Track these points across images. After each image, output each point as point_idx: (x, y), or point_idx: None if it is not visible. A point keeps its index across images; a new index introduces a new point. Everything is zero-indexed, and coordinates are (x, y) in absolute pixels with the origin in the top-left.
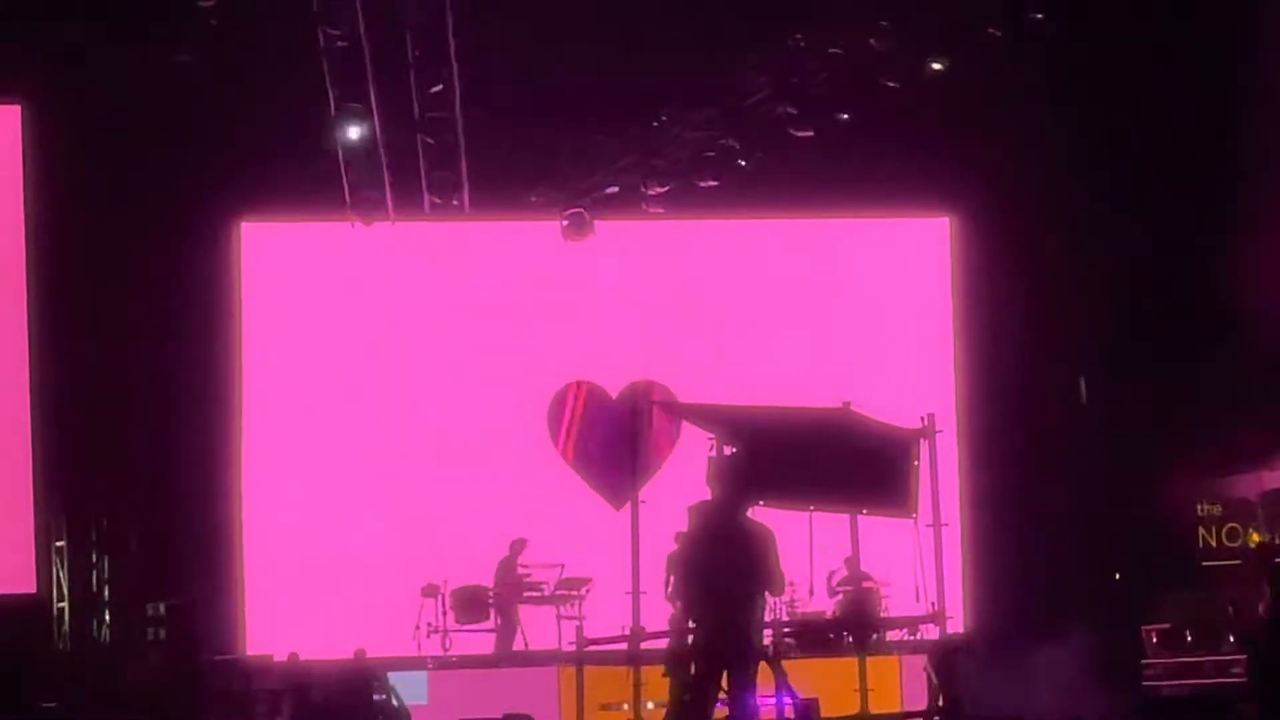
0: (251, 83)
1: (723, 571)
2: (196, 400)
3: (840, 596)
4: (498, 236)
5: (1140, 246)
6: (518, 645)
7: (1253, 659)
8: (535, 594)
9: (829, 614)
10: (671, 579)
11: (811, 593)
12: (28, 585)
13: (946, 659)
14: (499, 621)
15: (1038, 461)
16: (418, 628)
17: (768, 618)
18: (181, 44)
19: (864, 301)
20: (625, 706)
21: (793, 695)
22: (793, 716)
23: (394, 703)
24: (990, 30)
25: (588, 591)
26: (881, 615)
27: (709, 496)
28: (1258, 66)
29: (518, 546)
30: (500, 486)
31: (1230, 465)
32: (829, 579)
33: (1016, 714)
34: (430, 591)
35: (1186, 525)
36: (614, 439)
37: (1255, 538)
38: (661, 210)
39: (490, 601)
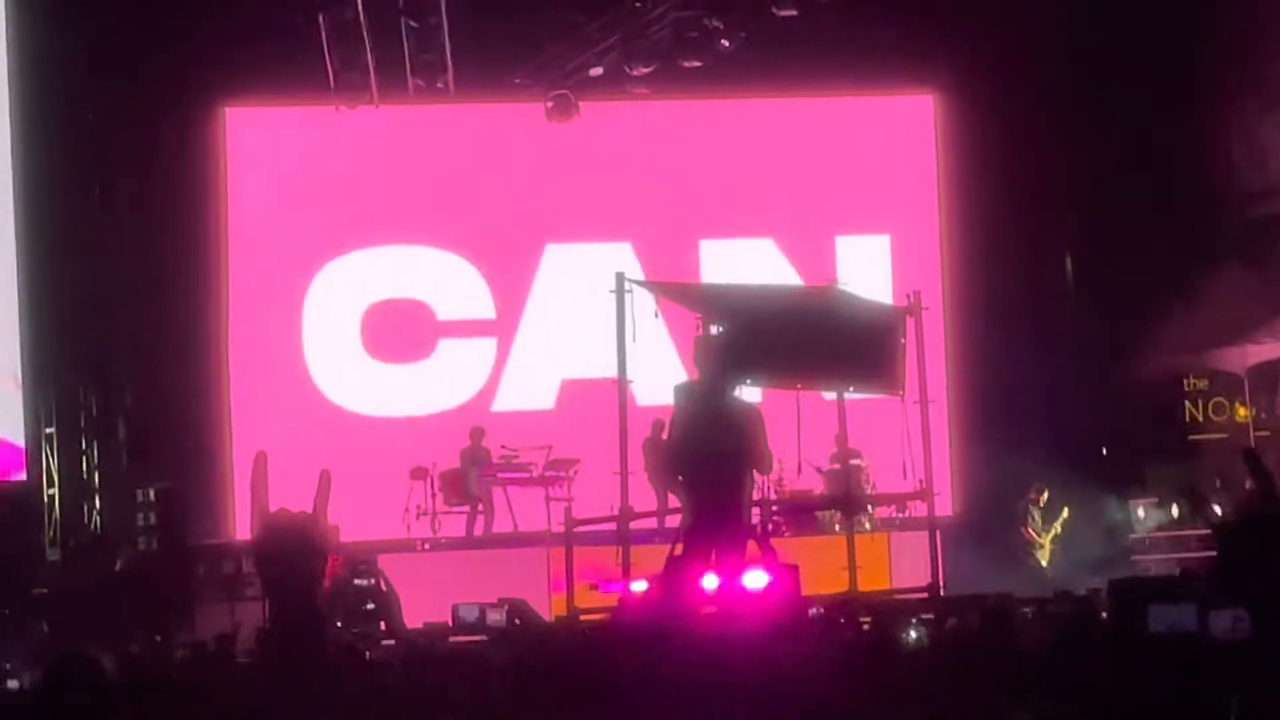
0: None
1: (711, 451)
2: (184, 285)
3: (826, 474)
4: (482, 119)
5: (1125, 120)
6: (506, 526)
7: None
8: (523, 475)
9: (816, 492)
10: (647, 463)
11: (799, 471)
12: (18, 472)
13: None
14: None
15: (1024, 338)
16: (406, 510)
17: (755, 496)
18: None
19: (849, 180)
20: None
21: (783, 567)
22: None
23: (383, 586)
24: None
25: (576, 472)
26: (869, 492)
27: (695, 376)
28: None
29: (478, 434)
30: (486, 366)
31: (1216, 339)
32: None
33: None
34: (418, 474)
35: (1173, 399)
36: None
37: (1242, 411)
38: (646, 92)
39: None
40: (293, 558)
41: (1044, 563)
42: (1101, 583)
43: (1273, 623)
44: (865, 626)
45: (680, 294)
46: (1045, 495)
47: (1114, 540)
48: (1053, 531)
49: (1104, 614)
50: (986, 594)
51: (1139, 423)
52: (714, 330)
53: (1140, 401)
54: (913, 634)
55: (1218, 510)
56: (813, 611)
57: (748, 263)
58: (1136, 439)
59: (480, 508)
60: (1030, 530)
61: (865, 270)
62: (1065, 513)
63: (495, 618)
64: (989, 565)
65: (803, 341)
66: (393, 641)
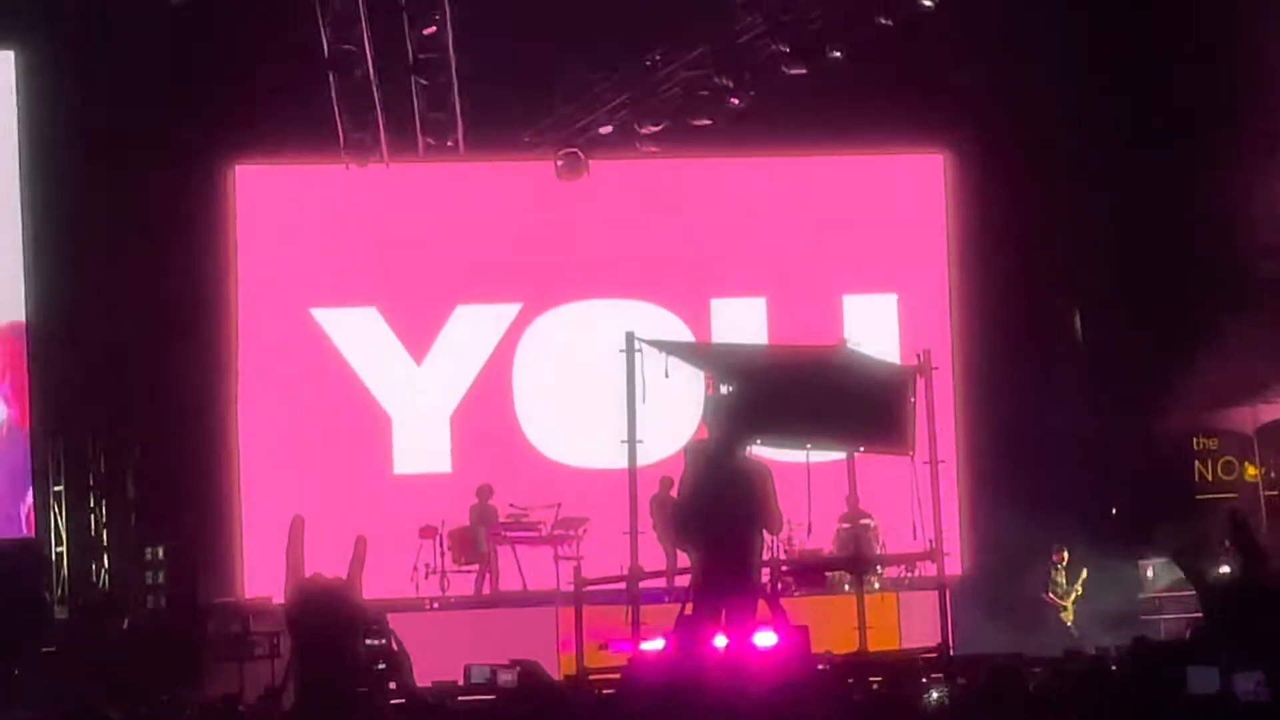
0: (246, 26)
1: (720, 511)
2: (193, 343)
3: (837, 533)
4: (492, 177)
5: (1135, 179)
6: (515, 584)
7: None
8: (532, 534)
9: (826, 552)
10: (655, 522)
11: (809, 531)
12: (25, 530)
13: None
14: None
15: (1034, 397)
16: (415, 569)
17: (765, 556)
18: None
19: (859, 239)
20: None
21: (792, 628)
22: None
23: (394, 645)
24: None
25: (585, 531)
26: (879, 552)
27: (705, 436)
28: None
29: (485, 492)
30: (496, 426)
31: (1226, 398)
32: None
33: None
34: (427, 532)
35: (1183, 458)
36: None
37: (1251, 471)
38: (655, 149)
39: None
40: (326, 622)
41: (1069, 623)
42: (1113, 642)
43: None
44: (875, 686)
45: (690, 353)
46: (1066, 555)
47: (1129, 599)
48: (1074, 593)
49: (1114, 669)
50: (996, 654)
51: (1148, 482)
52: (724, 389)
53: (1150, 461)
54: (934, 694)
55: (1224, 570)
56: (821, 666)
57: (756, 320)
58: (1146, 498)
59: (488, 565)
60: (1052, 595)
61: (873, 329)
62: (1085, 573)
63: (507, 678)
64: (999, 625)
65: (812, 401)
66: (403, 701)
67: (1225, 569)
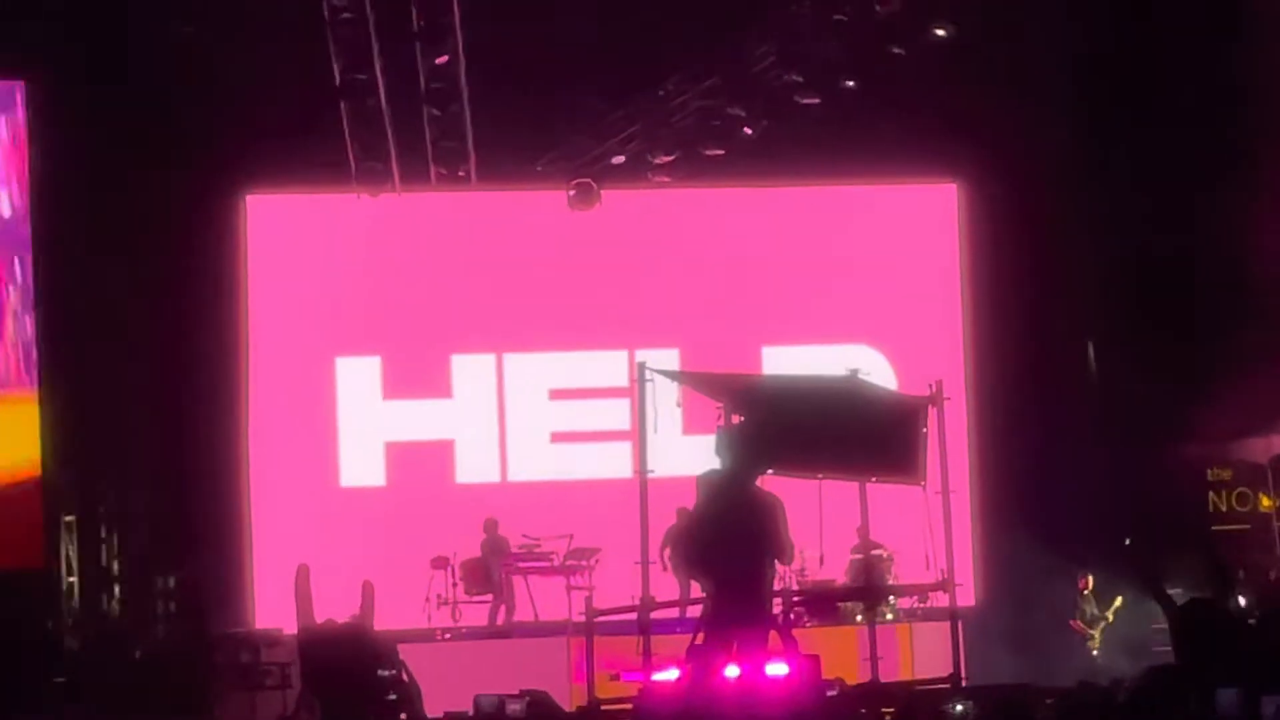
0: (256, 55)
1: (732, 541)
2: (203, 374)
3: (849, 563)
4: (504, 207)
5: (1148, 211)
6: (527, 615)
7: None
8: (544, 564)
9: (839, 582)
10: (667, 551)
11: (821, 561)
12: (35, 560)
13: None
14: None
15: (1047, 428)
16: (427, 599)
17: (778, 586)
18: (185, 16)
19: (871, 269)
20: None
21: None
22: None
23: (404, 677)
24: None
25: (597, 561)
26: (890, 583)
27: (717, 466)
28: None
29: (492, 525)
30: (508, 455)
31: (1240, 429)
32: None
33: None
34: (439, 563)
35: (1197, 489)
36: None
37: (1266, 502)
38: (668, 179)
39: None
40: (343, 667)
41: (1096, 651)
42: (1132, 671)
43: None
44: (887, 717)
45: (702, 383)
46: (1090, 582)
47: (1143, 629)
48: (1104, 621)
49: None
50: (1007, 684)
51: (1162, 513)
52: (735, 420)
53: (1164, 491)
54: (959, 707)
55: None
56: (831, 693)
57: (772, 350)
58: (1160, 529)
59: (502, 596)
60: (1080, 623)
61: (888, 358)
62: (1119, 601)
63: (515, 709)
64: (1013, 655)
65: (824, 431)
66: None
67: (1242, 600)
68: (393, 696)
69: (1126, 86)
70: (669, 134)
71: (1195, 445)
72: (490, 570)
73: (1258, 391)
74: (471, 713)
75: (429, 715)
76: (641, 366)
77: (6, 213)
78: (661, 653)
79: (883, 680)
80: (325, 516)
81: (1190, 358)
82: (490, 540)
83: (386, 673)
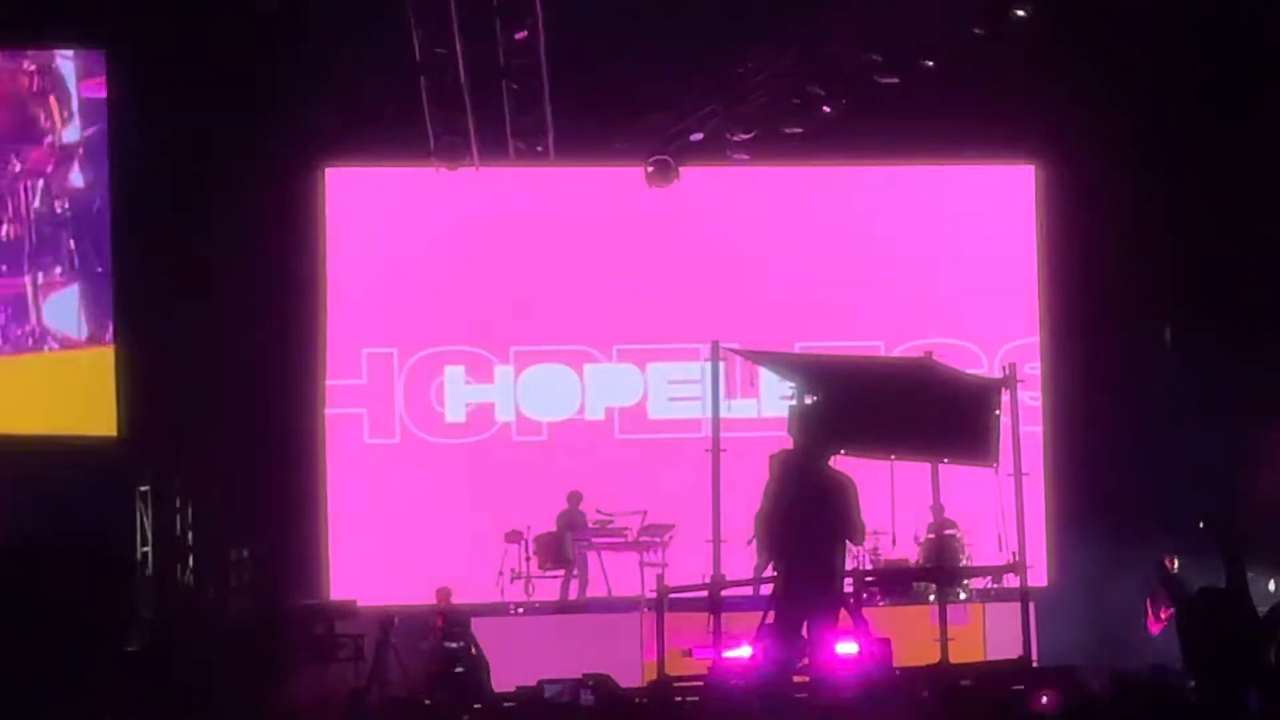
0: (338, 29)
1: (804, 521)
2: (281, 346)
3: (922, 544)
4: (582, 182)
5: (1227, 192)
6: (600, 591)
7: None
8: (618, 540)
9: (913, 561)
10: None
11: (894, 542)
12: (110, 529)
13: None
14: (568, 571)
15: (1122, 410)
16: (501, 573)
17: (850, 566)
18: None
19: (948, 249)
20: None
21: (874, 640)
22: (868, 661)
23: (473, 650)
24: None
25: (670, 538)
26: (963, 564)
27: (790, 445)
28: None
29: (575, 499)
30: (584, 431)
31: None
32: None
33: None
34: (513, 537)
35: (1274, 472)
36: None
37: None
38: (746, 157)
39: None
40: None
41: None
42: None
43: None
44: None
45: (776, 363)
46: (1176, 563)
47: None
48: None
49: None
50: (1077, 665)
51: (1240, 498)
52: (808, 400)
53: (1241, 473)
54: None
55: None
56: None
57: (845, 329)
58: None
59: (575, 572)
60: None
61: (965, 340)
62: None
63: (588, 699)
64: (1086, 637)
65: (897, 412)
66: (480, 707)
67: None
68: (460, 669)
69: (1209, 67)
70: (748, 111)
71: (1273, 428)
72: (564, 545)
73: None
74: (544, 694)
75: (500, 690)
76: (715, 345)
77: (89, 179)
78: (735, 630)
79: (953, 661)
80: (401, 488)
81: (1271, 339)
82: (569, 513)
83: (454, 644)
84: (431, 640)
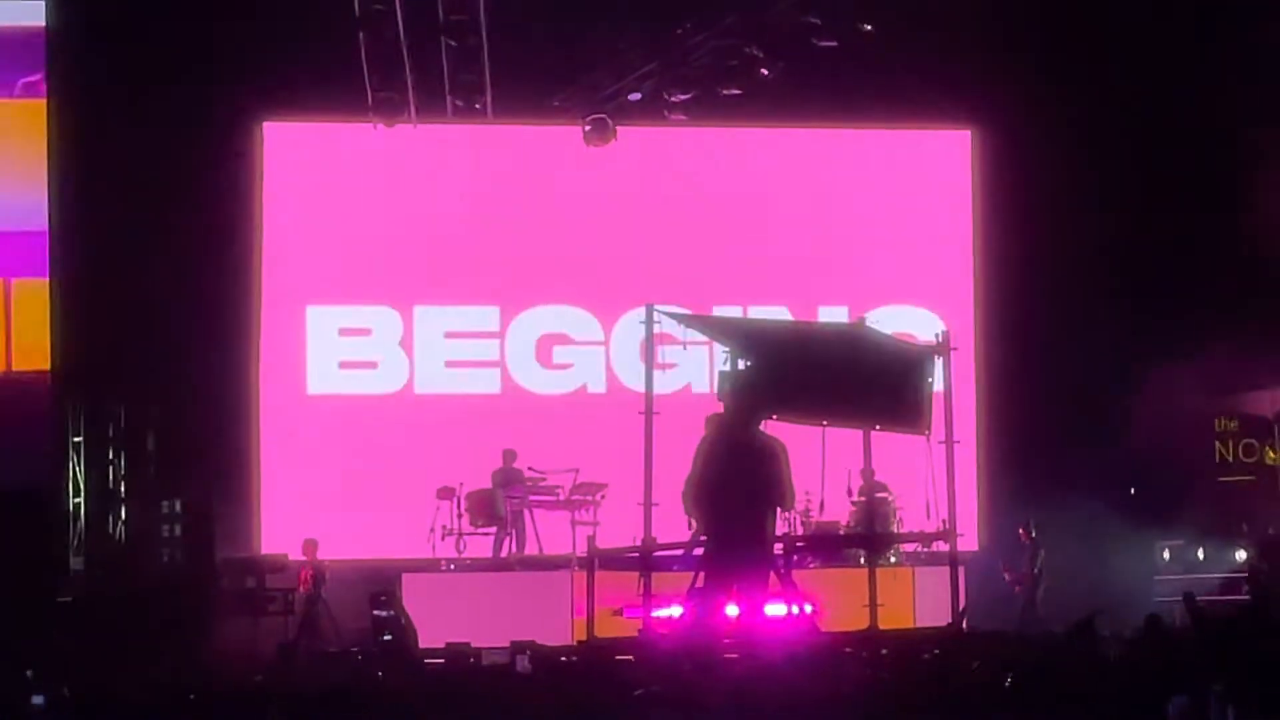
0: None
1: (733, 485)
2: (216, 300)
3: (853, 508)
4: (519, 140)
5: (1160, 160)
6: (531, 549)
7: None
8: (550, 498)
9: (844, 524)
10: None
11: (822, 506)
12: (42, 480)
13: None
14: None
15: (1053, 378)
16: (432, 530)
17: (781, 530)
18: None
19: (883, 214)
20: None
21: (800, 606)
22: (795, 623)
23: (401, 619)
24: None
25: (603, 497)
26: (894, 527)
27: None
28: None
29: (510, 456)
30: (516, 389)
31: (1247, 381)
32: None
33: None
34: (445, 493)
35: (1204, 440)
36: None
37: (1271, 454)
38: (684, 118)
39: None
40: None
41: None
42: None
43: None
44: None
45: (708, 327)
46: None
47: (1144, 580)
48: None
49: None
50: (1007, 631)
51: (1169, 462)
52: (740, 364)
53: (1171, 442)
54: None
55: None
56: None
57: (779, 292)
58: (1166, 479)
59: (509, 530)
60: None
61: (897, 305)
62: (1042, 555)
63: (524, 665)
64: (1015, 603)
65: (830, 378)
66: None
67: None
68: (388, 636)
69: (1148, 34)
70: (687, 72)
71: (1203, 396)
72: (496, 502)
73: (1266, 344)
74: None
75: (432, 646)
76: (649, 308)
77: None
78: (665, 590)
79: (882, 627)
80: (333, 445)
81: (1201, 308)
82: (504, 471)
83: (383, 613)
84: (302, 591)
